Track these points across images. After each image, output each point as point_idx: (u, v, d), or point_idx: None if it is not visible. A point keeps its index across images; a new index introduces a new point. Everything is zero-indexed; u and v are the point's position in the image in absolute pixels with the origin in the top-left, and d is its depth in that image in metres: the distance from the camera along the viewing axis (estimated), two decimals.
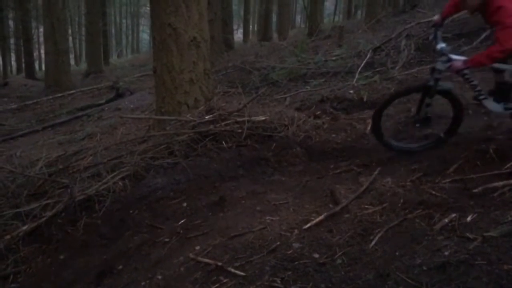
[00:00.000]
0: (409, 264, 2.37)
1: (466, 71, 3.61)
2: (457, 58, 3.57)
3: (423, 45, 7.68)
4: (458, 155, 3.61)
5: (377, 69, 7.14)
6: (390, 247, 2.58)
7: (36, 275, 3.71)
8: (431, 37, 3.85)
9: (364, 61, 7.34)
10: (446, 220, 2.69)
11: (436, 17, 3.87)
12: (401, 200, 3.06)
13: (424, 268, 2.30)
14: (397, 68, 6.98)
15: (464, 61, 3.47)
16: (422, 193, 3.12)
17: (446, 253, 2.37)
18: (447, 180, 3.25)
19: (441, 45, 3.62)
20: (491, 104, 3.74)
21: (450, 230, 2.61)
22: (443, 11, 3.87)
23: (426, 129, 4.08)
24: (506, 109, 3.69)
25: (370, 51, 7.92)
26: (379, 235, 2.71)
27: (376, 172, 3.60)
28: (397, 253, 2.49)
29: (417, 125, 3.99)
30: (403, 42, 7.88)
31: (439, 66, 3.61)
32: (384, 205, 3.06)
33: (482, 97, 3.73)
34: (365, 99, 5.92)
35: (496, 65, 3.47)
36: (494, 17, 3.30)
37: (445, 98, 3.87)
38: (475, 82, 3.71)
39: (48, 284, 3.50)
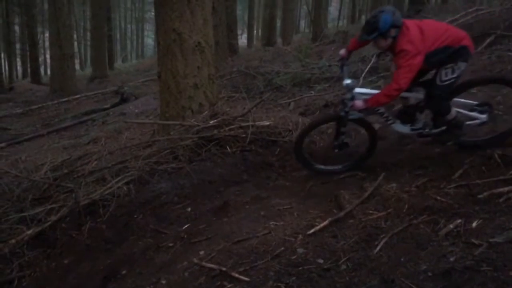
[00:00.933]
0: (414, 270, 2.36)
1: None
2: (362, 91, 3.84)
3: None
4: (463, 161, 3.60)
5: (382, 74, 7.12)
6: (395, 253, 2.57)
7: (41, 280, 3.72)
8: (339, 72, 4.00)
9: (369, 66, 7.29)
10: (451, 226, 2.68)
11: (342, 51, 4.01)
12: (406, 206, 3.05)
13: (429, 274, 2.29)
14: None
15: (365, 101, 3.66)
16: (427, 198, 3.11)
17: (452, 259, 2.36)
18: (452, 186, 3.23)
19: (347, 82, 3.78)
20: (398, 127, 4.03)
21: (455, 236, 2.60)
22: (349, 44, 4.03)
23: (346, 152, 4.25)
24: (412, 130, 4.01)
25: (375, 56, 7.89)
26: (383, 240, 2.70)
27: (380, 177, 3.58)
28: (402, 259, 2.48)
29: (336, 150, 4.16)
30: None
31: (347, 100, 3.84)
32: (389, 210, 3.05)
33: (390, 122, 4.02)
34: None
35: (402, 93, 3.68)
36: (397, 58, 3.54)
37: (359, 125, 4.22)
38: (381, 111, 3.93)
39: None
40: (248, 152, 4.93)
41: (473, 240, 2.46)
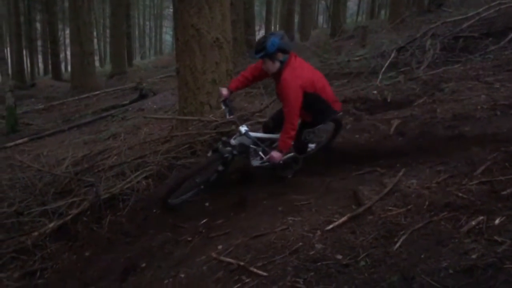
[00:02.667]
0: (434, 267, 2.32)
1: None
2: (259, 136, 3.97)
3: (449, 45, 7.53)
4: (486, 157, 3.53)
5: (402, 69, 7.03)
6: (415, 249, 2.53)
7: (62, 272, 3.79)
8: (227, 116, 4.00)
9: (388, 61, 7.23)
10: (473, 223, 2.63)
11: (223, 90, 3.95)
12: (427, 202, 3.00)
13: (451, 271, 2.25)
14: (422, 68, 6.86)
15: (280, 151, 3.76)
16: (448, 195, 3.05)
17: (473, 256, 2.32)
18: (474, 182, 3.16)
19: (245, 128, 3.84)
20: (254, 161, 4.16)
21: (477, 233, 2.55)
22: (230, 84, 4.03)
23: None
24: (262, 163, 4.12)
25: (394, 51, 7.81)
26: (403, 237, 2.66)
27: (400, 173, 3.54)
28: (422, 256, 2.45)
29: (202, 187, 4.22)
30: (429, 42, 7.74)
31: (235, 142, 3.92)
32: (409, 207, 3.01)
33: (252, 157, 4.13)
34: (389, 100, 5.84)
35: None
36: (280, 88, 3.64)
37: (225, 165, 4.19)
38: (251, 150, 4.03)
39: (74, 280, 3.56)
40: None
41: (495, 237, 2.41)
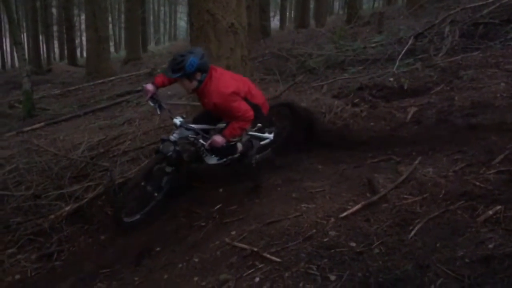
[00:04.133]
0: (450, 256, 2.30)
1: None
2: (195, 127, 3.82)
3: (468, 31, 7.35)
4: (505, 146, 3.47)
5: (419, 56, 6.89)
6: (431, 238, 2.51)
7: (79, 254, 3.86)
8: (158, 112, 3.87)
9: (405, 48, 7.08)
10: (491, 212, 2.59)
11: (149, 86, 3.80)
12: (443, 191, 2.97)
13: (467, 260, 2.23)
14: (440, 55, 6.71)
15: (223, 136, 3.73)
16: (465, 184, 3.01)
17: (490, 246, 2.29)
18: (492, 171, 3.12)
19: (179, 120, 3.76)
20: (209, 159, 4.09)
21: (494, 222, 2.52)
22: (155, 79, 3.84)
23: (157, 195, 4.05)
24: (219, 160, 4.12)
25: (412, 37, 7.65)
26: (419, 225, 2.64)
27: (416, 162, 3.50)
28: (437, 245, 2.43)
29: (155, 194, 4.04)
30: (447, 28, 7.56)
31: (175, 137, 3.78)
32: (425, 195, 2.98)
33: (204, 155, 4.04)
34: (405, 87, 5.75)
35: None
36: (215, 103, 3.58)
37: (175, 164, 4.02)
38: (199, 144, 3.90)
39: (90, 263, 3.62)
40: (280, 134, 4.91)
41: None
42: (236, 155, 4.19)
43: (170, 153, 3.76)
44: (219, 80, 3.60)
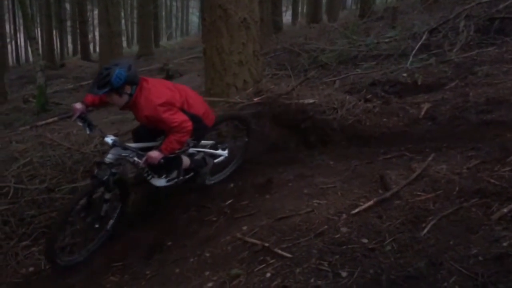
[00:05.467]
0: (464, 254, 2.27)
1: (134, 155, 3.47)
2: (131, 146, 3.50)
3: (484, 27, 7.24)
4: None
5: (433, 52, 6.81)
6: (444, 235, 2.48)
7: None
8: (87, 131, 3.55)
9: (419, 43, 7.00)
10: (505, 210, 2.55)
11: (77, 105, 3.52)
12: (457, 188, 2.93)
13: (480, 258, 2.21)
14: (455, 50, 6.62)
15: (160, 151, 3.40)
16: (479, 181, 2.96)
17: (505, 244, 2.26)
18: (507, 169, 3.06)
19: (111, 138, 3.42)
20: (156, 181, 3.80)
21: (509, 220, 2.48)
22: (85, 98, 3.57)
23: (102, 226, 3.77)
24: (168, 181, 3.85)
25: (426, 32, 7.55)
26: (432, 223, 2.61)
27: (430, 158, 3.45)
28: (451, 242, 2.40)
29: (97, 225, 3.69)
30: (462, 23, 7.45)
31: (111, 159, 3.43)
32: (438, 192, 2.94)
33: (149, 177, 3.76)
34: (419, 83, 5.69)
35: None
36: (147, 116, 3.33)
37: (118, 188, 3.72)
38: (142, 165, 3.54)
39: (101, 256, 3.65)
40: (291, 130, 4.90)
41: None
42: (188, 175, 3.95)
43: (106, 177, 3.43)
44: (150, 91, 3.32)
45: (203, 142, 4.05)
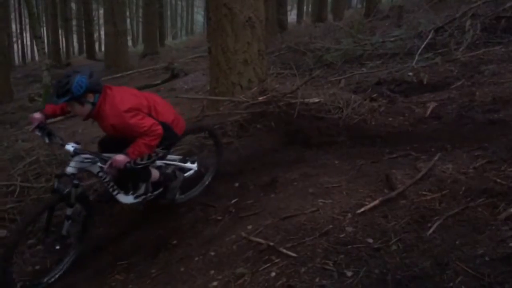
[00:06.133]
0: (470, 254, 2.26)
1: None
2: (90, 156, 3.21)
3: (490, 25, 7.20)
4: None
5: (439, 51, 6.79)
6: (450, 235, 2.47)
7: (96, 246, 3.89)
8: (46, 141, 3.29)
9: (425, 42, 6.98)
10: None
11: (36, 115, 3.29)
12: (463, 188, 2.91)
13: (487, 259, 2.19)
14: (461, 49, 6.60)
15: (126, 155, 3.17)
16: (486, 181, 2.95)
17: (511, 244, 2.24)
18: None
19: (72, 145, 3.14)
20: (122, 198, 3.56)
21: None
22: (45, 107, 3.38)
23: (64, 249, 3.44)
24: (136, 197, 3.64)
25: (432, 31, 7.53)
26: (437, 222, 2.60)
27: (435, 158, 3.44)
28: (457, 242, 2.39)
29: (57, 247, 3.34)
30: (468, 22, 7.42)
31: (72, 169, 3.16)
32: (444, 192, 2.93)
33: (115, 192, 3.50)
34: (425, 82, 5.67)
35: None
36: (113, 125, 3.13)
37: (81, 204, 3.43)
38: (107, 179, 3.40)
39: (107, 254, 3.66)
40: (296, 129, 4.89)
41: None
42: (157, 191, 3.74)
43: (68, 190, 3.17)
44: (114, 98, 3.13)
45: (171, 157, 3.88)
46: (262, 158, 4.51)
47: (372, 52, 7.77)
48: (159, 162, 3.73)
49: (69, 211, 3.30)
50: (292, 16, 25.41)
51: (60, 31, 24.97)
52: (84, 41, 25.19)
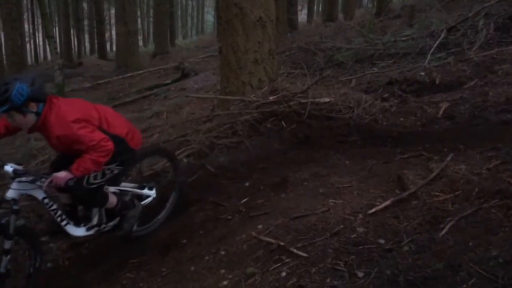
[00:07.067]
0: (483, 255, 2.23)
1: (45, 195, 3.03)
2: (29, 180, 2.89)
3: (504, 25, 7.11)
4: None
5: (452, 50, 6.72)
6: (463, 237, 2.44)
7: (108, 244, 3.92)
8: None
9: (437, 42, 6.91)
10: None
11: None
12: (476, 189, 2.88)
13: (500, 260, 2.16)
14: (474, 49, 6.52)
15: (70, 171, 2.91)
16: (499, 182, 2.90)
17: None
18: None
19: (12, 166, 2.84)
20: (72, 230, 3.25)
21: None
22: None
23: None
24: (88, 229, 3.33)
25: (444, 31, 7.46)
26: (450, 224, 2.57)
27: (448, 158, 3.40)
28: (470, 244, 2.36)
29: None
30: (481, 22, 7.33)
31: (13, 194, 2.86)
32: (457, 193, 2.89)
33: (64, 223, 3.18)
34: (437, 82, 5.62)
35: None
36: (59, 137, 2.85)
37: (21, 237, 3.06)
38: (54, 207, 3.11)
39: (116, 254, 3.68)
40: (307, 129, 4.88)
41: None
42: (112, 222, 3.44)
43: (6, 218, 2.85)
44: (60, 107, 2.87)
45: (126, 184, 3.65)
46: (272, 157, 4.50)
47: (383, 51, 7.71)
48: (112, 189, 3.42)
49: (7, 245, 2.90)
50: (302, 16, 25.37)
51: (72, 31, 25.20)
52: (96, 41, 25.38)
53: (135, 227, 3.64)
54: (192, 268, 2.97)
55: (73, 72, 16.66)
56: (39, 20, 25.60)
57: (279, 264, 2.56)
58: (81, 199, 3.23)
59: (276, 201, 3.57)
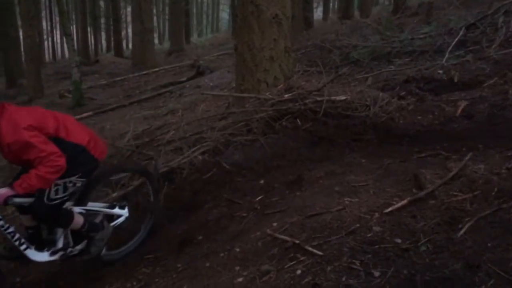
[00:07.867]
0: (503, 256, 2.19)
1: None
2: None
3: None
4: None
5: (470, 48, 6.61)
6: (481, 237, 2.40)
7: (122, 241, 3.95)
8: None
9: (456, 39, 6.82)
10: None
11: None
12: (495, 189, 2.83)
13: None
14: (493, 46, 6.41)
15: (12, 188, 2.70)
16: None
17: None
18: None
19: None
20: (34, 255, 2.98)
21: None
22: None
23: None
24: (52, 254, 3.08)
25: (463, 28, 7.34)
26: (468, 224, 2.53)
27: (467, 158, 3.34)
28: (489, 244, 2.32)
29: None
30: (501, 19, 7.20)
31: None
32: (476, 193, 2.84)
33: (23, 247, 2.92)
34: (455, 80, 5.53)
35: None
36: (8, 145, 2.64)
37: None
38: (10, 230, 2.86)
39: (134, 248, 3.72)
40: (322, 127, 4.85)
41: None
42: (79, 245, 3.20)
43: None
44: (12, 114, 2.68)
45: (94, 204, 3.45)
46: (288, 155, 4.49)
47: (400, 49, 7.63)
48: (78, 209, 3.18)
49: None
50: (318, 13, 25.23)
51: (89, 29, 25.50)
52: (112, 38, 25.62)
53: (103, 251, 3.39)
54: (207, 265, 2.98)
55: (90, 70, 16.89)
56: (57, 18, 25.97)
57: (294, 262, 2.55)
58: (42, 218, 2.98)
59: (291, 199, 3.56)
